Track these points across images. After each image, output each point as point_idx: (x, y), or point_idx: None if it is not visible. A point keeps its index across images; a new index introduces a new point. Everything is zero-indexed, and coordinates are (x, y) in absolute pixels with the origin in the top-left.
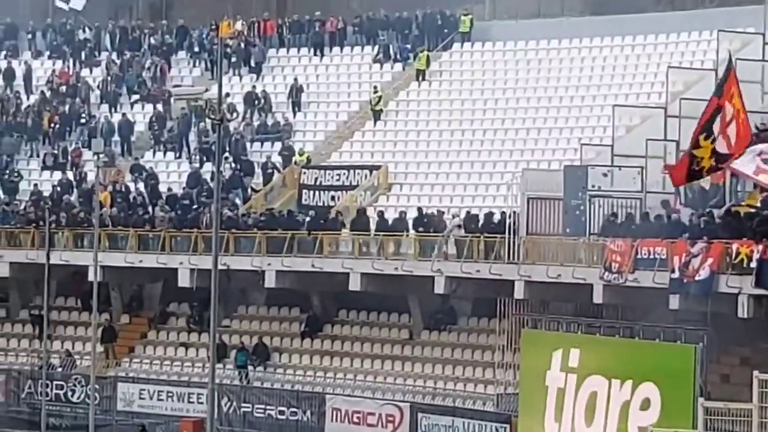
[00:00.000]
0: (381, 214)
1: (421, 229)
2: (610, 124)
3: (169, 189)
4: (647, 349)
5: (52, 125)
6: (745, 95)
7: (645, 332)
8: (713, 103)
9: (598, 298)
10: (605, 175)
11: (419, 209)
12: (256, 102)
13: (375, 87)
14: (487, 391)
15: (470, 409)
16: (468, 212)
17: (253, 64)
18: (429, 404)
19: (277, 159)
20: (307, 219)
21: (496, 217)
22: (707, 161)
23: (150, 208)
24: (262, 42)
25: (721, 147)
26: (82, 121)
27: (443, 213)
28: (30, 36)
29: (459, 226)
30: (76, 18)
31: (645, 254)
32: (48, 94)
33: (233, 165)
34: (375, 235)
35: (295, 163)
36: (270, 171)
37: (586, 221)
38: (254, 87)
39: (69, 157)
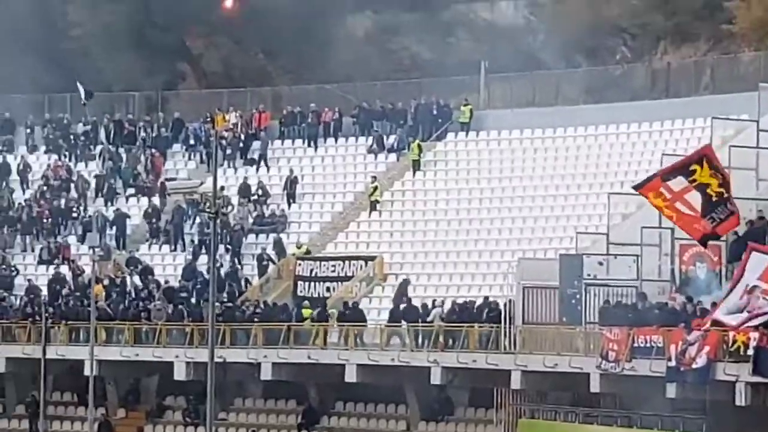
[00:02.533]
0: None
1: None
2: (606, 212)
3: (166, 282)
4: None
5: (47, 219)
6: (739, 182)
7: (643, 421)
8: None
9: (595, 387)
10: (601, 263)
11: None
12: (252, 194)
13: (373, 177)
14: None
15: None
16: (464, 301)
17: (249, 156)
18: None
19: (272, 251)
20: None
21: (493, 307)
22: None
23: (146, 302)
24: (257, 134)
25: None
26: (77, 215)
27: (434, 302)
28: (27, 130)
29: (441, 318)
30: (71, 113)
31: (642, 342)
32: (43, 188)
33: (229, 257)
34: (370, 326)
35: (293, 254)
36: (265, 263)
37: (582, 310)
38: (247, 179)
39: (64, 252)
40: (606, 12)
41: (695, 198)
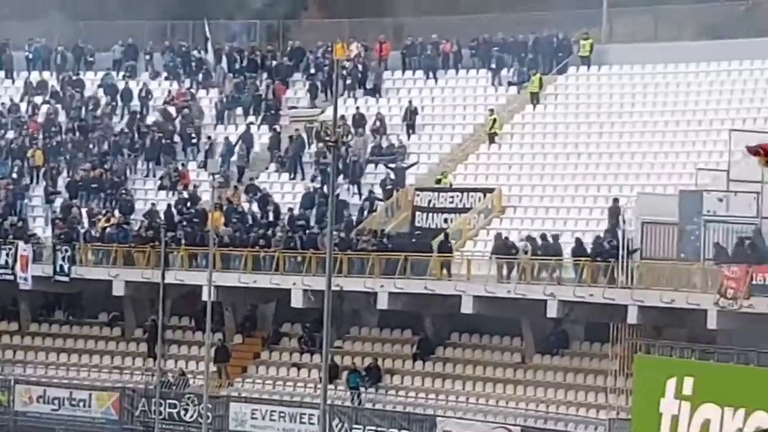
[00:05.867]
0: (497, 236)
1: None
2: (726, 148)
3: (290, 209)
4: (762, 376)
5: (168, 146)
6: None
7: (760, 359)
8: None
9: (712, 324)
10: (721, 200)
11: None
12: (371, 123)
13: (491, 110)
14: (599, 416)
15: None
16: (581, 235)
17: (368, 86)
18: (540, 428)
19: (390, 181)
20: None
21: (610, 241)
22: None
23: (264, 229)
24: (378, 64)
25: None
26: (197, 141)
27: (557, 236)
28: (148, 57)
29: (525, 252)
30: (193, 39)
31: (760, 280)
32: (164, 114)
33: (348, 186)
34: (488, 257)
35: (442, 180)
36: (385, 192)
37: (701, 246)
38: (367, 109)
39: (184, 177)
40: None
41: None
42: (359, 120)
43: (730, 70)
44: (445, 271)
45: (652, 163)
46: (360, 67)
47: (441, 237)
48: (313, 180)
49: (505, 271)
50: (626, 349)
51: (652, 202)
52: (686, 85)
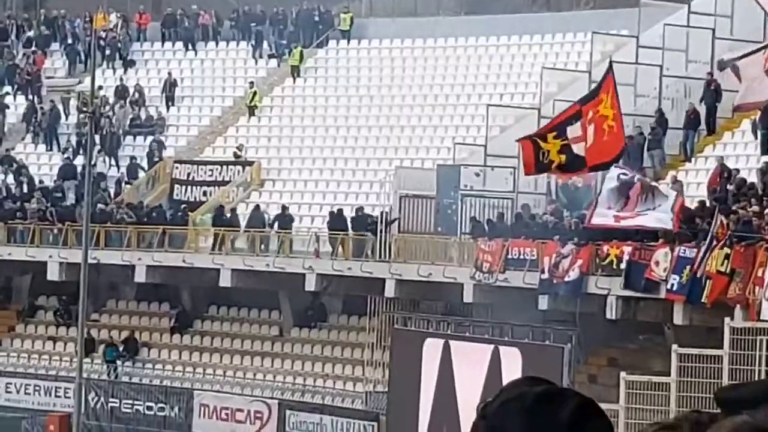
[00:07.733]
0: (256, 209)
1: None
2: (484, 123)
3: (41, 181)
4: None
5: None
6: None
7: (514, 331)
8: (573, 109)
9: (468, 297)
10: (478, 174)
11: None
12: (127, 95)
13: (251, 82)
14: (356, 389)
15: (338, 407)
16: (340, 209)
17: (126, 57)
18: (297, 401)
19: (149, 153)
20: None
21: (369, 215)
22: (556, 156)
23: (20, 201)
24: (137, 35)
25: (579, 150)
26: None
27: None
28: None
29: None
30: None
31: (515, 254)
32: None
33: (106, 158)
34: (245, 231)
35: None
36: (150, 164)
37: (458, 221)
38: (124, 80)
39: None
40: None
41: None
42: (121, 91)
43: (488, 46)
44: (207, 243)
45: (410, 137)
46: (119, 37)
47: (215, 211)
48: (64, 152)
49: (259, 244)
50: (383, 323)
51: (411, 175)
52: (445, 59)
